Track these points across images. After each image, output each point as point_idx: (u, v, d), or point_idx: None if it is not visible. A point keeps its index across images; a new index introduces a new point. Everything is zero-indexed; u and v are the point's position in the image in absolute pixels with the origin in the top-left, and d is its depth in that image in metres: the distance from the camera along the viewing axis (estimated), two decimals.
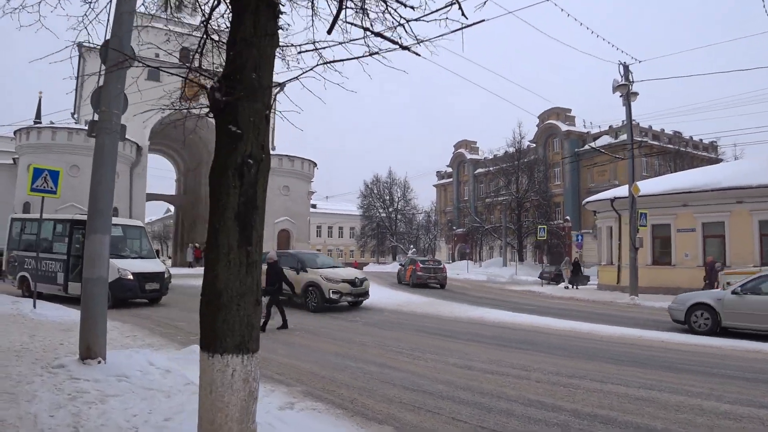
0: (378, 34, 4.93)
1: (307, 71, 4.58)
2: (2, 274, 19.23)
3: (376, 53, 5.02)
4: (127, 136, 34.00)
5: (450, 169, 79.82)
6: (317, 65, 4.68)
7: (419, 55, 5.10)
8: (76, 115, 40.55)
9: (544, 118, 60.32)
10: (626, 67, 23.89)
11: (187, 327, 12.69)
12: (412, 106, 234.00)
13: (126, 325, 12.75)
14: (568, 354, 10.39)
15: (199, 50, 5.49)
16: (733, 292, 13.08)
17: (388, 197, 72.11)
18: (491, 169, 61.41)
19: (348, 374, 8.28)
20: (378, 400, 6.86)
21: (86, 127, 32.46)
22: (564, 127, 59.30)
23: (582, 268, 32.47)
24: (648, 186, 26.25)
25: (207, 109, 4.15)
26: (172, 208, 65.84)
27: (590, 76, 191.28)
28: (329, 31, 4.38)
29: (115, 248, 15.53)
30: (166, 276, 17.49)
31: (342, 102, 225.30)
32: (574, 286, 29.50)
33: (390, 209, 71.50)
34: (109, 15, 7.86)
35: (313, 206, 61.38)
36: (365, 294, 17.86)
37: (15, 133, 36.70)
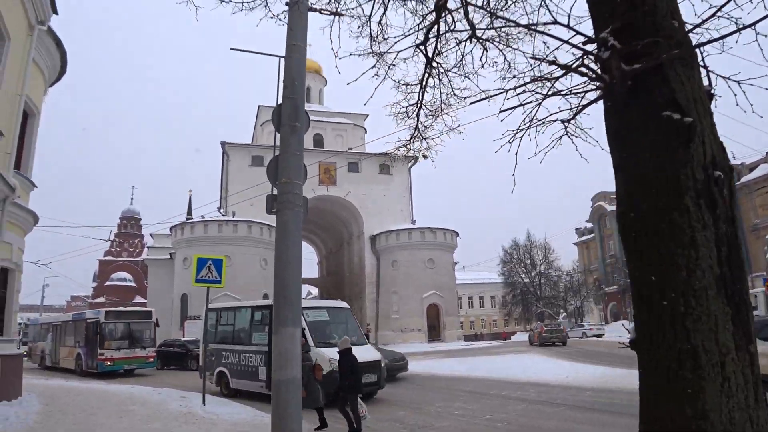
0: (572, 70, 3.55)
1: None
2: (200, 370, 17.52)
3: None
4: (271, 223, 34.09)
5: (590, 225, 75.29)
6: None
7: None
8: (222, 210, 42.48)
9: None
10: None
11: (391, 429, 10.87)
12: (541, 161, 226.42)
13: (310, 424, 11.44)
14: None
15: (422, 83, 4.37)
16: None
17: (528, 261, 68.93)
18: None
19: None
20: None
21: (234, 218, 33.64)
22: None
23: None
24: None
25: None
26: (313, 290, 66.87)
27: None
28: None
29: (323, 334, 14.22)
30: (382, 365, 14.78)
31: (465, 164, 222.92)
32: None
33: (532, 273, 68.19)
34: (279, 76, 6.91)
35: None
36: None
37: (171, 229, 39.15)
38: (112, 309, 26.33)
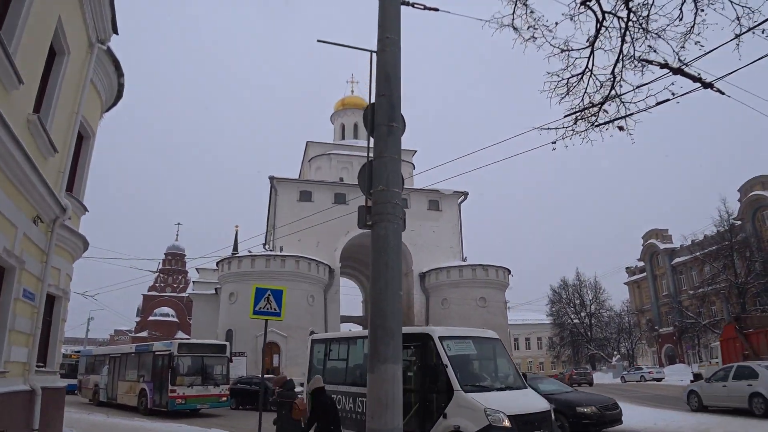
0: (678, 71, 4.02)
1: None
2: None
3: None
4: (318, 258, 32.97)
5: (642, 263, 72.66)
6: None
7: (723, 94, 4.31)
8: (267, 245, 42.17)
9: (746, 189, 54.12)
10: None
11: None
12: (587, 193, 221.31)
13: None
14: None
15: (592, 45, 3.46)
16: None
17: (578, 301, 66.56)
18: (699, 254, 54.20)
19: None
20: None
21: (281, 253, 32.82)
22: None
23: None
24: None
25: None
26: (356, 328, 65.91)
27: None
28: None
29: (470, 375, 10.69)
30: (553, 417, 10.71)
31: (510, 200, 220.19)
32: None
33: (582, 314, 65.77)
34: (371, 74, 6.04)
35: None
36: None
37: (217, 263, 38.75)
38: (185, 341, 23.62)
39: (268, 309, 12.02)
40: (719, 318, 49.12)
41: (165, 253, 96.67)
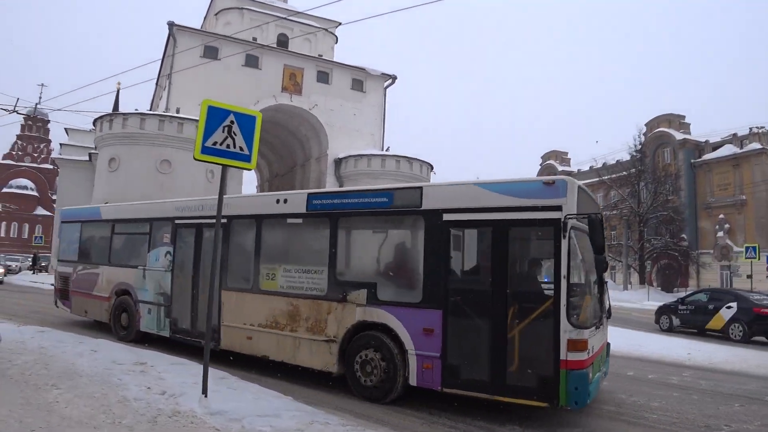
0: None
1: None
2: None
3: None
4: None
5: None
6: None
7: None
8: (154, 109, 35.85)
9: (653, 126, 55.31)
10: None
11: None
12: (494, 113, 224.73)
13: None
14: None
15: None
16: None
17: None
18: (605, 179, 54.12)
19: None
20: None
21: (179, 115, 26.49)
22: (679, 136, 53.50)
23: None
24: None
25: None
26: None
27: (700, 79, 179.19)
28: None
29: None
30: None
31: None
32: None
33: None
34: None
35: None
36: None
37: (95, 122, 31.28)
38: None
39: (229, 147, 6.69)
40: (616, 243, 50.47)
41: (24, 117, 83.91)
